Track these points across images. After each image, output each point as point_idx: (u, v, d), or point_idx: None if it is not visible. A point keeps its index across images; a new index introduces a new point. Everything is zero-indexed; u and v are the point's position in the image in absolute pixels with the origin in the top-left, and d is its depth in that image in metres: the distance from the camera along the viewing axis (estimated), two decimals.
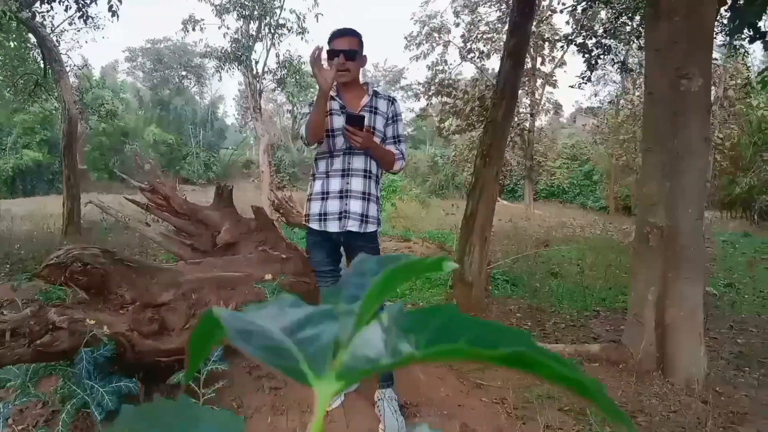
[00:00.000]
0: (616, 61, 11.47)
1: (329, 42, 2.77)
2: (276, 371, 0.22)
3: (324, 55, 2.59)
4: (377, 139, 2.80)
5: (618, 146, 22.47)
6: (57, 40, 11.26)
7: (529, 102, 22.35)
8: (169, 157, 38.19)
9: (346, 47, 2.73)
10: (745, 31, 4.36)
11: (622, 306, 5.60)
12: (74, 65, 13.73)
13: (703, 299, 3.84)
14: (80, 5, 8.35)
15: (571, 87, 11.70)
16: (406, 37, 22.02)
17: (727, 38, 8.47)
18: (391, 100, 2.92)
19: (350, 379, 0.21)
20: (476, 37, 20.58)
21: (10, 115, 28.88)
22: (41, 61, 11.61)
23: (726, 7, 4.98)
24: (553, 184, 32.04)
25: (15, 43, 12.87)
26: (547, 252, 9.87)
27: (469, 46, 20.85)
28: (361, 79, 2.95)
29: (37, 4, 7.94)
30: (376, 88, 2.99)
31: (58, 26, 11.37)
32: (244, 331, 0.22)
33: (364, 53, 2.85)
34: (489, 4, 20.25)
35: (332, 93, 2.85)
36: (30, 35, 11.74)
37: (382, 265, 0.24)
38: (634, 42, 10.67)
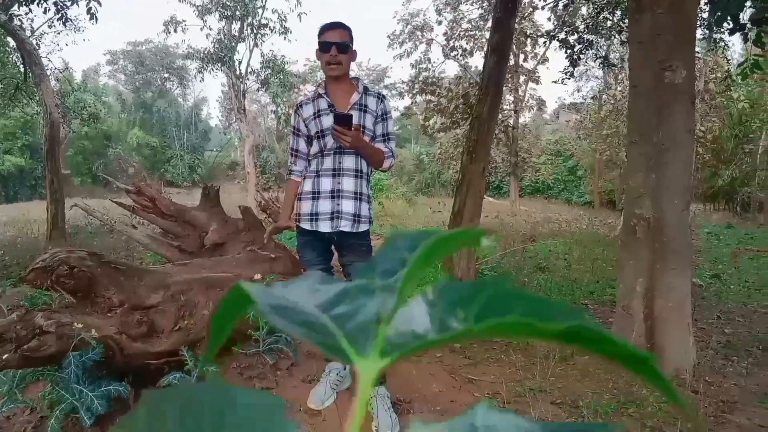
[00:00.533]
0: (597, 56, 11.53)
1: (320, 35, 2.75)
2: (316, 347, 0.21)
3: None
4: (367, 138, 2.78)
5: (601, 141, 22.61)
6: (37, 44, 11.11)
7: (512, 98, 22.44)
8: (153, 160, 37.93)
9: (338, 39, 2.71)
10: (725, 24, 4.39)
11: (611, 299, 5.64)
12: (55, 69, 13.56)
13: (690, 290, 3.87)
14: (59, 7, 8.25)
15: (555, 82, 11.77)
16: (389, 36, 22.01)
17: (707, 32, 8.56)
18: (381, 98, 2.91)
19: (395, 356, 0.20)
20: (459, 34, 20.60)
21: None
22: (21, 65, 11.45)
23: (706, 0, 5.03)
24: (538, 180, 32.27)
25: None
26: (534, 247, 9.91)
27: (452, 44, 20.86)
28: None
29: (15, 6, 7.83)
30: (366, 84, 2.98)
31: (37, 29, 11.21)
32: (278, 306, 0.21)
33: (354, 48, 2.83)
34: (471, 1, 20.29)
35: (321, 91, 2.85)
36: (9, 39, 11.59)
37: (418, 239, 0.23)
38: (615, 37, 10.74)
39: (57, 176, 10.43)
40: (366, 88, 2.89)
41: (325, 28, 2.75)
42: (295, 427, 0.17)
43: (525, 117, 26.71)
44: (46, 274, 2.63)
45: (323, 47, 2.72)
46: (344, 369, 3.10)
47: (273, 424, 0.17)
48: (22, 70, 11.44)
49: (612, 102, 20.76)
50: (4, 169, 29.62)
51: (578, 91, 32.83)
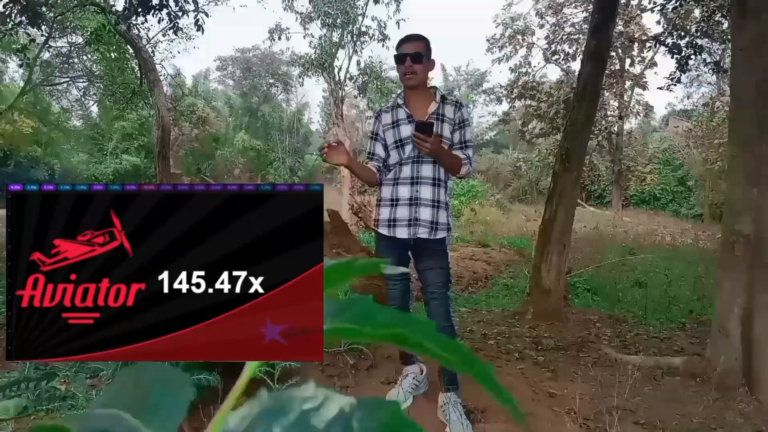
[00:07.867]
0: (709, 61, 10.95)
1: (397, 48, 2.86)
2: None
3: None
4: (444, 147, 2.83)
5: (713, 150, 21.37)
6: (152, 51, 11.91)
7: (617, 104, 21.67)
8: (256, 163, 39.42)
9: (412, 51, 2.79)
10: None
11: (711, 319, 5.35)
12: (168, 74, 14.48)
13: None
14: (171, 17, 8.80)
15: (660, 89, 11.26)
16: (488, 40, 21.85)
17: None
18: (459, 105, 2.93)
19: None
20: (561, 38, 20.19)
21: (110, 122, 30.73)
22: (138, 71, 12.31)
23: None
24: (644, 190, 30.76)
25: (115, 54, 13.73)
26: (633, 260, 9.52)
27: (553, 48, 20.47)
28: (443, 85, 3.00)
29: (134, 17, 8.43)
30: (444, 93, 3.03)
31: (153, 38, 12.01)
32: None
33: (432, 58, 2.89)
34: (574, 4, 19.81)
35: (399, 101, 2.93)
36: (128, 47, 12.49)
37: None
38: (729, 41, 10.16)
39: (167, 177, 11.13)
40: (443, 97, 2.93)
41: (402, 41, 2.86)
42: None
43: (631, 123, 25.70)
44: None
45: (398, 59, 2.83)
46: (421, 374, 3.15)
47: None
48: (138, 75, 12.32)
49: (725, 109, 19.59)
50: (122, 167, 31.70)
51: (688, 97, 31.09)
